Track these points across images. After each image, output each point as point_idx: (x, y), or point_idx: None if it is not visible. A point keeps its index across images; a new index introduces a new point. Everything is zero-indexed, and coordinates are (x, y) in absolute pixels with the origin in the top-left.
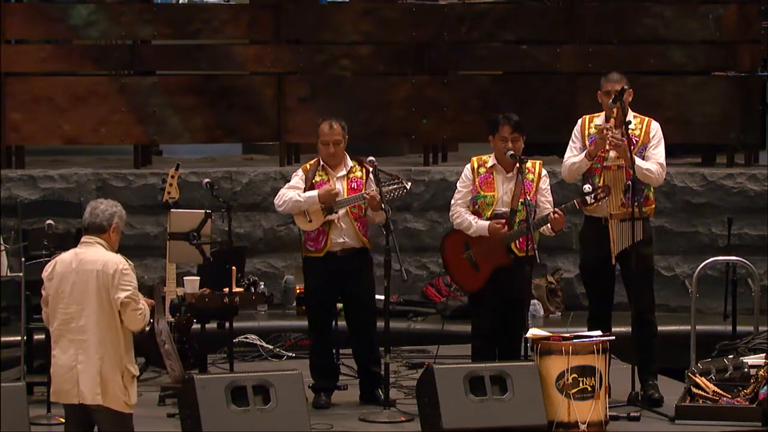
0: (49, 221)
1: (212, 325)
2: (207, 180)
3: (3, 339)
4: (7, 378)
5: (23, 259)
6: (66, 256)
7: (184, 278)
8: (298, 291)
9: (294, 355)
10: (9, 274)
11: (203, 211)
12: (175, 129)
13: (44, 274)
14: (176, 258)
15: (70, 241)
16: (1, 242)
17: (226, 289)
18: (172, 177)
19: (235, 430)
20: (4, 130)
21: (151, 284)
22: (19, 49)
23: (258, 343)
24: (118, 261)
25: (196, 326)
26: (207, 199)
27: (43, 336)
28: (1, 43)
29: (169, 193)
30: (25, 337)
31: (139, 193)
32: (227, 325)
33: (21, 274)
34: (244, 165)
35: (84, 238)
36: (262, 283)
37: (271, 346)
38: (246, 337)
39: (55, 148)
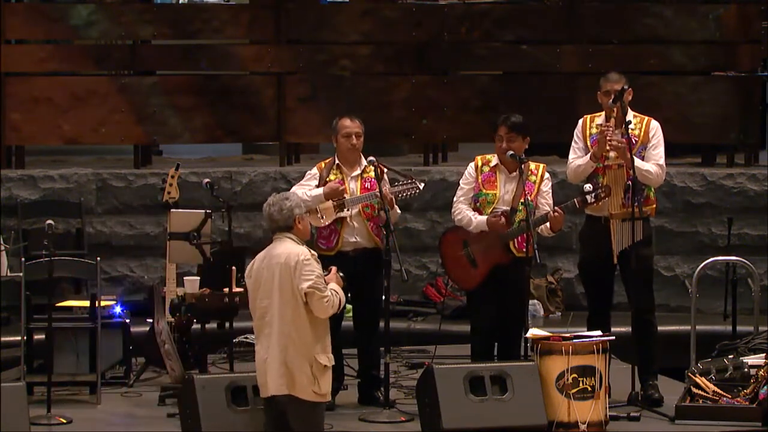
0: (49, 221)
1: (212, 325)
2: (207, 180)
3: (3, 339)
4: (7, 378)
5: (23, 259)
6: (261, 254)
7: (184, 278)
8: None
9: None
10: (9, 274)
11: (203, 211)
12: (175, 129)
13: (246, 273)
14: (176, 258)
15: (71, 241)
16: (1, 242)
17: (226, 289)
18: (172, 177)
19: (235, 430)
20: (4, 130)
21: (151, 284)
22: (19, 49)
23: None
24: (299, 252)
25: (196, 326)
26: (207, 199)
27: (43, 336)
28: (1, 43)
29: (169, 193)
30: (25, 337)
31: (139, 193)
32: (227, 325)
33: (21, 274)
34: (244, 165)
35: (275, 236)
36: None
37: None
38: (246, 337)
39: (55, 148)
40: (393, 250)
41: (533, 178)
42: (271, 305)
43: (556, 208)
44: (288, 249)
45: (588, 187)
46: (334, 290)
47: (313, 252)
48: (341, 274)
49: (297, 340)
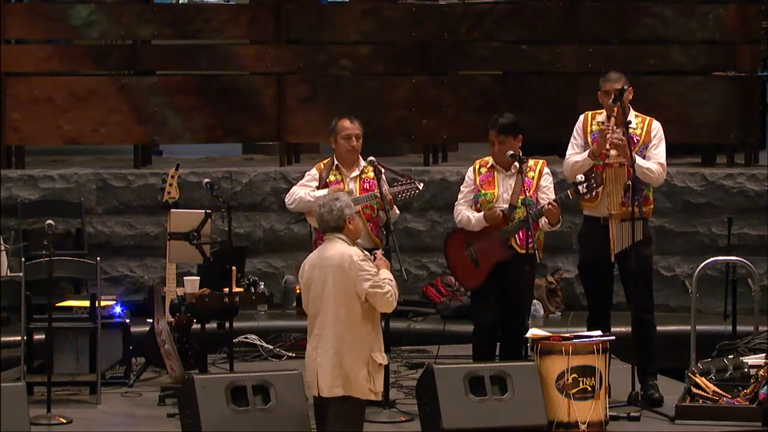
0: (49, 221)
1: (212, 325)
2: (207, 180)
3: (3, 339)
4: (7, 378)
5: (23, 259)
6: (313, 254)
7: (184, 278)
8: (298, 291)
9: (294, 355)
10: (9, 274)
11: (203, 211)
12: (175, 129)
13: (298, 273)
14: (176, 258)
15: (71, 241)
16: (1, 242)
17: (226, 289)
18: (172, 177)
19: (235, 430)
20: (4, 130)
21: (151, 284)
22: (19, 49)
23: (258, 343)
24: (352, 253)
25: (196, 326)
26: (207, 199)
27: (43, 336)
28: (1, 43)
29: (169, 193)
30: (25, 337)
31: (139, 193)
32: (227, 325)
33: (21, 274)
34: (244, 165)
35: (326, 236)
36: (262, 283)
37: (271, 346)
38: (246, 337)
39: (55, 148)
40: (393, 250)
41: (531, 174)
42: (323, 307)
43: (550, 200)
44: (340, 250)
45: (580, 177)
46: (388, 280)
47: (365, 252)
48: (382, 251)
49: (351, 341)
